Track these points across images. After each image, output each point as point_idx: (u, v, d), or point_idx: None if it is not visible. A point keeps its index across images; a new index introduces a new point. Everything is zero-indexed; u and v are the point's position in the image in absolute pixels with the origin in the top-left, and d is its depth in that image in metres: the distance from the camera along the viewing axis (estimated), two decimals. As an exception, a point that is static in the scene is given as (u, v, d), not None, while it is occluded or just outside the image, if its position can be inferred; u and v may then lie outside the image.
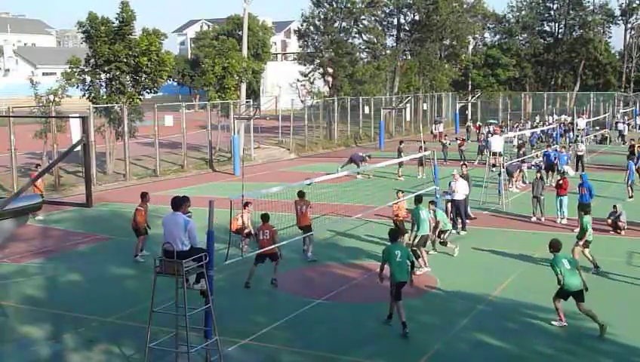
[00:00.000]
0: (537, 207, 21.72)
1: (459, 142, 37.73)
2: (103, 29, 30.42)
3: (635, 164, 28.02)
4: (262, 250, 14.68)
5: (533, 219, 21.62)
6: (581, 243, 15.98)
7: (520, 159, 28.21)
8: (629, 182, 24.90)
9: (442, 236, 17.48)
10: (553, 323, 12.57)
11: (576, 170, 30.15)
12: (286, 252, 17.52)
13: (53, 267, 17.03)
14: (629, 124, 50.84)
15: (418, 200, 16.72)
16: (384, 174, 30.22)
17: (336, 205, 22.78)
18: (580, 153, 31.92)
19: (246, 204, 16.94)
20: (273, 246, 14.79)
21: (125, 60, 30.47)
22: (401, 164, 29.72)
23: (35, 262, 17.55)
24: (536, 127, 45.58)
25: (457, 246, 17.61)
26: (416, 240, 16.14)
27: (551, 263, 12.54)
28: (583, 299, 12.24)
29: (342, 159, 37.37)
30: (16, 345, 12.11)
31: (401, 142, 33.45)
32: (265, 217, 15.28)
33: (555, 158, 28.54)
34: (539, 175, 22.29)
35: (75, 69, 30.95)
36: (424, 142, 28.99)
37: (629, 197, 24.37)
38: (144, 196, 17.92)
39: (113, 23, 30.88)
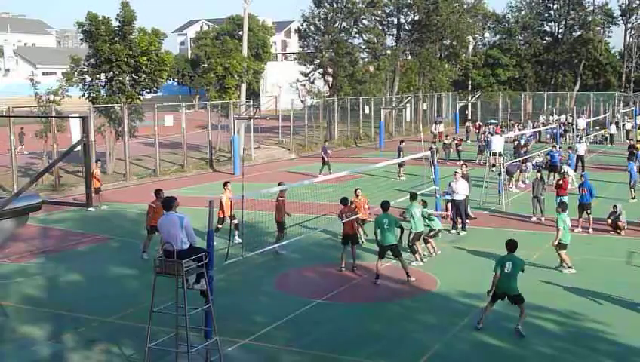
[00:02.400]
0: (537, 207, 21.71)
1: (456, 142, 37.76)
2: (104, 29, 30.43)
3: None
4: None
5: (533, 219, 21.62)
6: (555, 243, 15.96)
7: (520, 159, 28.20)
8: (632, 183, 24.86)
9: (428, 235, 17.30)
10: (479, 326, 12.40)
11: (575, 170, 30.12)
12: (286, 252, 17.58)
13: (53, 267, 17.03)
14: (623, 125, 50.71)
15: (412, 196, 16.74)
16: (385, 174, 30.20)
17: (337, 205, 22.71)
18: (580, 153, 31.91)
19: (225, 183, 17.62)
20: (354, 218, 16.48)
21: (125, 60, 30.48)
22: (401, 164, 29.70)
23: (35, 262, 17.55)
24: (536, 127, 45.56)
25: (420, 259, 16.78)
26: (411, 236, 16.39)
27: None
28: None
29: (343, 159, 37.42)
30: (16, 345, 12.11)
31: (401, 141, 33.46)
32: (344, 200, 16.83)
33: (560, 158, 28.58)
34: (539, 175, 22.28)
35: (75, 68, 30.96)
36: (433, 142, 29.11)
37: (632, 198, 24.32)
38: (158, 193, 17.52)
39: (113, 24, 30.88)
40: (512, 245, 12.51)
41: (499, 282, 12.20)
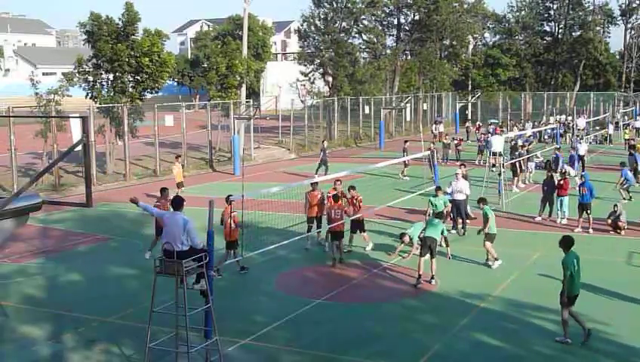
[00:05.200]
0: (545, 207, 21.59)
1: (456, 142, 37.73)
2: (106, 29, 30.45)
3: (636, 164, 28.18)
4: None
5: (538, 219, 21.54)
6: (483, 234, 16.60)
7: (521, 158, 28.16)
8: (625, 186, 24.38)
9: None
10: (557, 339, 11.85)
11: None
12: (286, 252, 17.57)
13: (53, 267, 17.03)
14: (625, 124, 50.70)
15: (438, 216, 16.92)
16: (385, 174, 30.20)
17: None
18: (580, 153, 31.88)
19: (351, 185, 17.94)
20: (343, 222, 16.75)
21: (127, 60, 30.48)
22: (406, 164, 29.59)
23: (35, 262, 17.55)
24: (536, 127, 45.54)
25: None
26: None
27: (562, 262, 11.82)
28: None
29: (343, 159, 37.39)
30: (16, 345, 12.11)
31: (405, 141, 33.20)
32: (335, 198, 17.06)
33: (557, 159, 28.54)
34: (549, 175, 22.16)
35: (79, 68, 30.97)
36: (432, 142, 29.06)
37: (628, 199, 24.14)
38: (163, 191, 17.60)
39: (117, 24, 30.91)
40: (570, 242, 11.88)
41: (574, 283, 11.66)
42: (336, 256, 16.82)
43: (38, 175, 8.67)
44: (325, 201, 18.04)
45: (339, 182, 18.41)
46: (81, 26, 31.23)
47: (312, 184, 18.50)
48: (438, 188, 19.03)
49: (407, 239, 17.04)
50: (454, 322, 12.88)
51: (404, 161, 28.88)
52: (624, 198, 23.86)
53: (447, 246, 17.04)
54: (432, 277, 15.08)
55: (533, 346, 11.80)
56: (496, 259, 16.44)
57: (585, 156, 32.01)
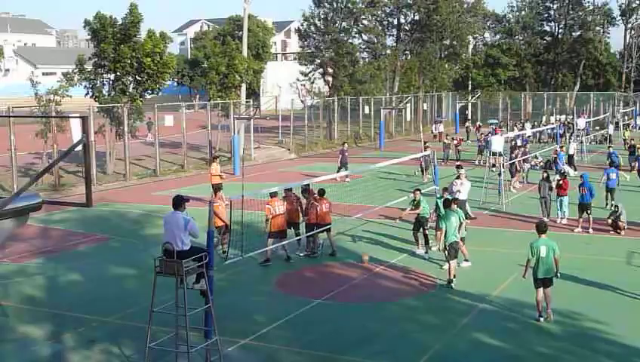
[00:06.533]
0: (544, 208, 21.55)
1: (456, 142, 37.71)
2: (111, 30, 30.46)
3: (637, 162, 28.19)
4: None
5: (546, 220, 21.40)
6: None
7: (519, 159, 28.17)
8: (610, 188, 22.95)
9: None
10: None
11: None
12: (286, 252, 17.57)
13: (53, 267, 17.03)
14: (625, 124, 50.75)
15: (446, 203, 16.14)
16: (385, 174, 30.19)
17: (337, 205, 22.71)
18: (570, 152, 31.83)
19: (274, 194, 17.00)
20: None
21: (129, 62, 30.46)
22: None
23: (35, 262, 17.55)
24: (534, 127, 45.54)
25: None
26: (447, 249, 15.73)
27: (530, 243, 12.75)
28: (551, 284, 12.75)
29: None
30: (16, 345, 12.11)
31: (425, 142, 32.49)
32: (322, 192, 17.70)
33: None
34: (544, 175, 22.07)
35: (80, 68, 30.96)
36: (426, 145, 29.01)
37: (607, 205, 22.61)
38: (217, 190, 17.65)
39: (120, 25, 30.91)
40: (539, 228, 12.79)
41: (537, 267, 12.58)
42: (331, 248, 17.45)
43: (38, 175, 8.67)
44: (304, 206, 17.91)
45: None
46: (86, 24, 31.23)
47: (285, 190, 17.95)
48: (445, 190, 18.89)
49: (418, 195, 17.69)
50: (454, 322, 12.89)
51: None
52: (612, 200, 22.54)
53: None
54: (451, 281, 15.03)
55: (533, 346, 11.80)
56: (447, 262, 15.79)
57: (574, 155, 31.90)
